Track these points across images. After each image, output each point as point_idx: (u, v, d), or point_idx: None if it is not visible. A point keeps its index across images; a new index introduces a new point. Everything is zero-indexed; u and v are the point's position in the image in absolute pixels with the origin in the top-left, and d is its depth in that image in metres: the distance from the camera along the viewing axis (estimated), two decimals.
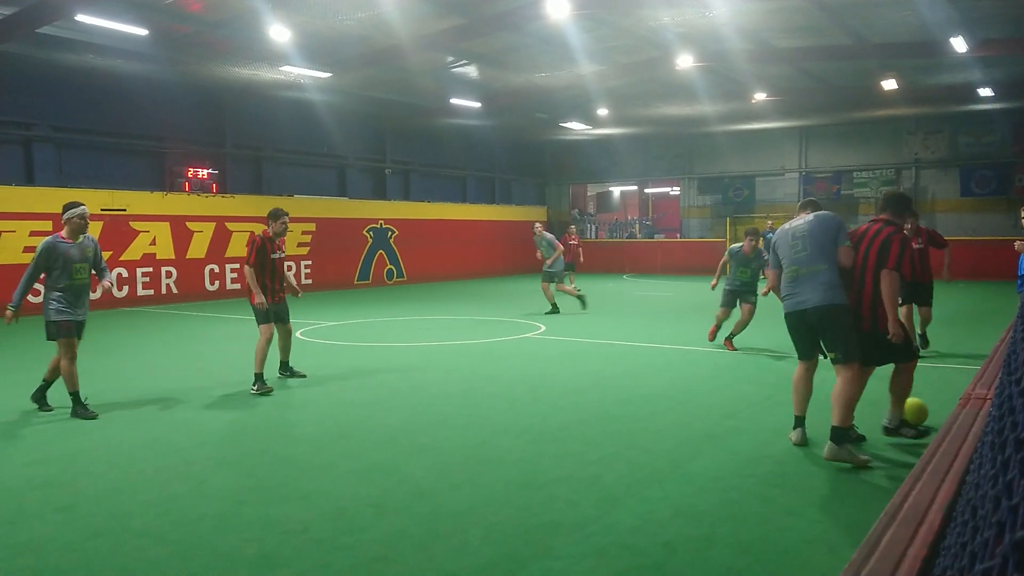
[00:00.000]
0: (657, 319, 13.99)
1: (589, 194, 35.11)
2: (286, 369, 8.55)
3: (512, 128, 26.18)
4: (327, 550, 3.89)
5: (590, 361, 9.42)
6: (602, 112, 22.98)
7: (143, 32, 13.61)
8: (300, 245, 20.71)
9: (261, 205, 18.17)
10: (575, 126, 25.16)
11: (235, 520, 4.32)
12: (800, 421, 5.67)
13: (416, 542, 3.98)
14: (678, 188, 30.69)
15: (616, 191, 35.57)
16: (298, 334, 12.00)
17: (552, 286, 14.99)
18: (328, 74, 16.97)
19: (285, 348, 8.50)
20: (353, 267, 22.47)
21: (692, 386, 7.85)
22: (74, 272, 6.85)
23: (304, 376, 8.48)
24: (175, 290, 17.85)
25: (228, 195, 19.34)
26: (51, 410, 7.02)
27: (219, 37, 15.32)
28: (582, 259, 20.88)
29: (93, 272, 7.10)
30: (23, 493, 4.81)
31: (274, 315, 8.06)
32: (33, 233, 15.41)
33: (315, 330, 12.64)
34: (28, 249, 15.34)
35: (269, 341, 7.90)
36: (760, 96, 20.84)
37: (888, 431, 5.74)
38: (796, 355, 5.76)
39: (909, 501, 1.64)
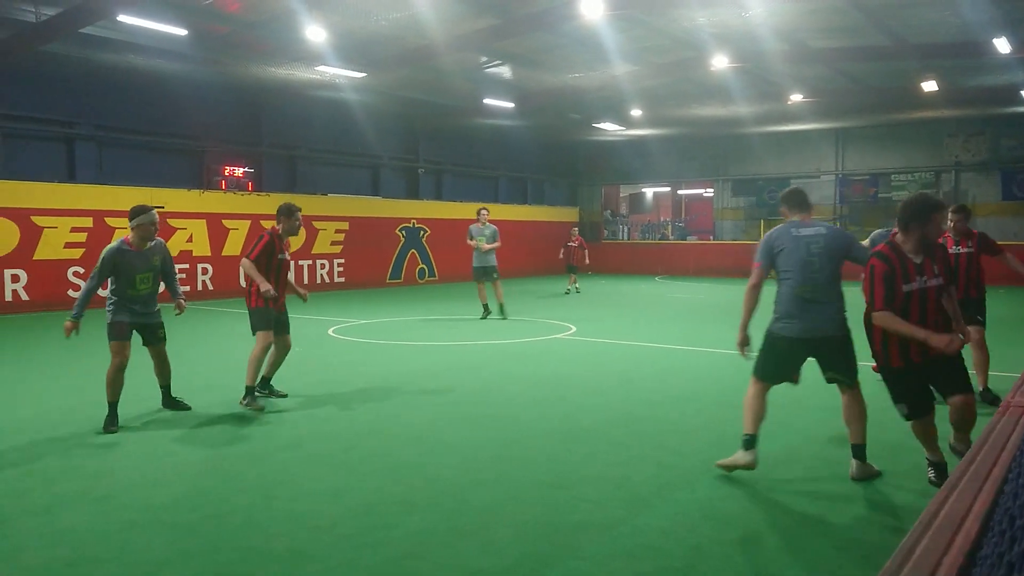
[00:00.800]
0: (689, 321, 13.88)
1: (622, 195, 34.98)
2: (266, 386, 7.35)
3: (545, 128, 26.17)
4: (355, 546, 3.92)
5: (620, 362, 9.38)
6: (635, 113, 22.89)
7: (182, 32, 13.84)
8: (333, 244, 20.93)
9: (295, 203, 18.38)
10: (608, 127, 25.07)
11: (265, 515, 4.36)
12: (754, 441, 4.89)
13: (443, 539, 3.99)
14: (711, 190, 30.47)
15: (649, 192, 35.39)
16: (330, 331, 12.12)
17: (488, 285, 13.76)
18: (363, 74, 17.11)
19: (277, 363, 7.39)
20: (385, 266, 22.64)
21: (722, 388, 7.76)
22: (137, 282, 6.43)
23: (285, 396, 7.39)
24: (211, 287, 18.12)
25: (263, 193, 19.59)
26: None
27: (256, 37, 15.55)
28: (587, 260, 20.85)
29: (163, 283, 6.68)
30: (60, 483, 4.91)
31: (276, 324, 7.13)
32: (74, 229, 15.76)
33: (346, 328, 12.74)
34: (69, 244, 15.69)
35: (266, 350, 7.05)
36: (796, 97, 20.59)
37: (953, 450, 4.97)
38: (799, 363, 5.08)
39: (945, 509, 1.60)
